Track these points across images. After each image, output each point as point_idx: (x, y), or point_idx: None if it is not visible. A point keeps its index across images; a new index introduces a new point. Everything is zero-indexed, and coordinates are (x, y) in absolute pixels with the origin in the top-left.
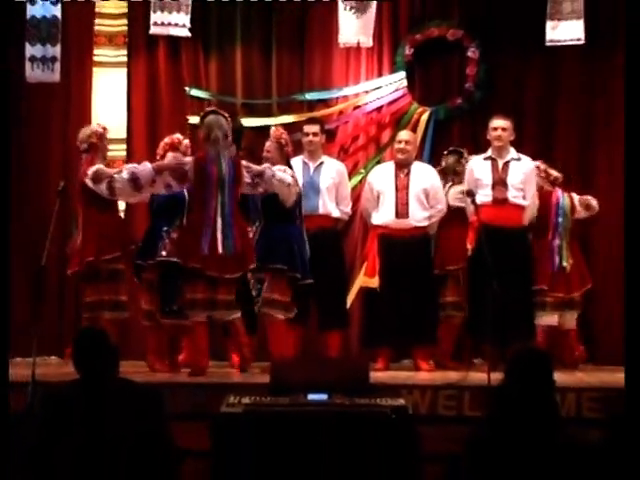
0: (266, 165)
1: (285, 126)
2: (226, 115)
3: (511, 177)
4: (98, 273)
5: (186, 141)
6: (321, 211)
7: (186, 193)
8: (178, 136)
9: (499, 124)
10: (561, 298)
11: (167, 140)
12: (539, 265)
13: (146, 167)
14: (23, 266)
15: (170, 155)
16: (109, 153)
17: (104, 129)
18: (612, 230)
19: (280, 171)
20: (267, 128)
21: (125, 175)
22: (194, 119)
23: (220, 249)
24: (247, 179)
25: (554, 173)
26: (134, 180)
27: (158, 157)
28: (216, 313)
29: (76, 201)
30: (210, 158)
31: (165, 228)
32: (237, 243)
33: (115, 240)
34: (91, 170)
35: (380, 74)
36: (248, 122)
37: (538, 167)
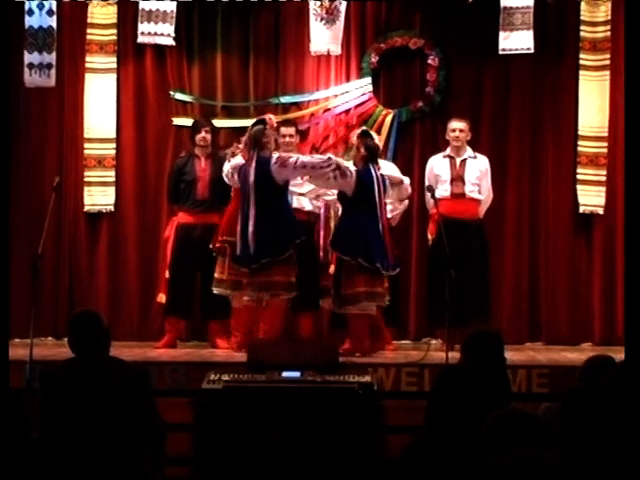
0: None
1: None
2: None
3: (468, 173)
4: None
5: None
6: (295, 205)
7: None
8: None
9: (457, 126)
10: None
11: None
12: None
13: None
14: (21, 254)
15: None
16: (100, 152)
17: None
18: (560, 218)
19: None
20: (245, 129)
21: None
22: (178, 120)
23: None
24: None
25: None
26: None
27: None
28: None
29: None
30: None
31: None
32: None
33: None
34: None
35: (348, 79)
36: (227, 123)
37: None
